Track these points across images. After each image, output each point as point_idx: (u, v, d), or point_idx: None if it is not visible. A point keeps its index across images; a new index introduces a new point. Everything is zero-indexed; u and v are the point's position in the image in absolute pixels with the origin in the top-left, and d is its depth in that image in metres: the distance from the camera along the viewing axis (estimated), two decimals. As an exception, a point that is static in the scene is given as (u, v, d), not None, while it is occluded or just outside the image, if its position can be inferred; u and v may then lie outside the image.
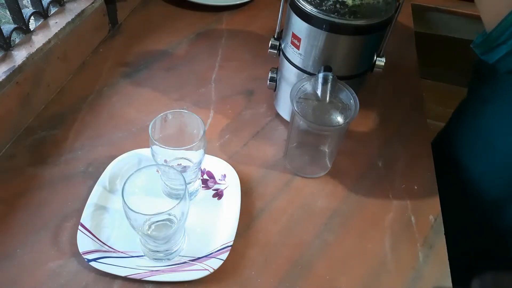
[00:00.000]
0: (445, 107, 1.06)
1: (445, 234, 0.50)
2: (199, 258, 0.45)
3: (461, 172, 0.65)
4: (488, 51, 0.49)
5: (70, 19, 0.66)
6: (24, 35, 0.60)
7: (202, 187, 0.52)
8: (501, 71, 0.50)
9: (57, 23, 0.64)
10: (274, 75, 0.60)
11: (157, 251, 0.44)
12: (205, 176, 0.53)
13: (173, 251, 0.44)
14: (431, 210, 0.53)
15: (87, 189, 0.50)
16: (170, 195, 0.47)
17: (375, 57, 0.55)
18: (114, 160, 0.53)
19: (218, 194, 0.52)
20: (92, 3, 0.71)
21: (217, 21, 0.86)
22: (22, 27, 0.59)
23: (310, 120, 0.48)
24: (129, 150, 0.54)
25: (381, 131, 0.64)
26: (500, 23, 0.46)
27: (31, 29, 0.61)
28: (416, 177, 0.57)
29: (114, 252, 0.45)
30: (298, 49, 0.52)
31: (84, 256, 0.43)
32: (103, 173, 0.51)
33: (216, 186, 0.52)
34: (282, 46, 0.57)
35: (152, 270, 0.43)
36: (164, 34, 0.81)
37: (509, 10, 0.44)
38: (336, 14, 0.47)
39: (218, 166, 0.54)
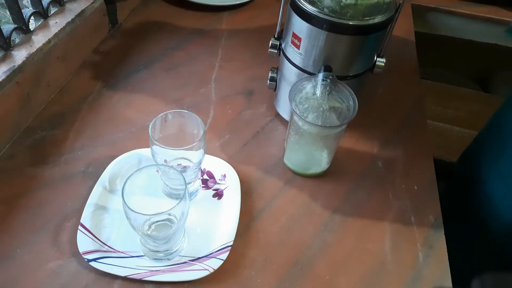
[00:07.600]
0: (445, 107, 1.06)
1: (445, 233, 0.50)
2: (199, 258, 0.45)
3: (480, 183, 0.63)
4: None
5: (70, 19, 0.66)
6: (24, 35, 0.60)
7: (202, 187, 0.52)
8: None
9: (57, 23, 0.64)
10: (274, 75, 0.60)
11: (157, 251, 0.44)
12: (205, 176, 0.53)
13: (173, 251, 0.44)
14: (431, 210, 0.53)
15: (87, 189, 0.50)
16: (170, 195, 0.47)
17: (375, 57, 0.55)
18: (114, 160, 0.53)
19: (218, 194, 0.52)
20: (92, 3, 0.71)
21: (217, 21, 0.86)
22: (22, 27, 0.59)
23: (309, 120, 0.48)
24: (129, 150, 0.54)
25: (381, 131, 0.64)
26: None
27: (31, 29, 0.61)
28: (416, 177, 0.57)
29: (114, 252, 0.45)
30: (299, 49, 0.52)
31: (84, 256, 0.43)
32: (103, 173, 0.51)
33: (216, 186, 0.52)
34: (283, 46, 0.57)
35: (152, 270, 0.43)
36: (164, 34, 0.81)
37: None
38: (336, 14, 0.47)
39: (218, 166, 0.54)
